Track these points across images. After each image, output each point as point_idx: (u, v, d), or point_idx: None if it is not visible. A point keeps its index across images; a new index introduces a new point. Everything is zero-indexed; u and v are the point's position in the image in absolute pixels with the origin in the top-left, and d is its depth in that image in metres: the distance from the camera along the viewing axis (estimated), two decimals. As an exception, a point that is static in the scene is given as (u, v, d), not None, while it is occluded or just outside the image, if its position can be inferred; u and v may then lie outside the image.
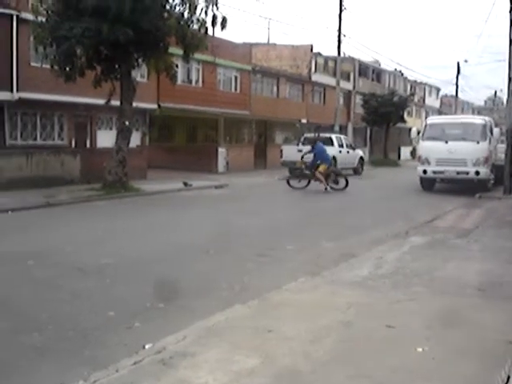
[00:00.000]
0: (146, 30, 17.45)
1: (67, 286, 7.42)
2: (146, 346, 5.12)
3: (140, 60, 19.92)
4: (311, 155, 22.13)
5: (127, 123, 19.41)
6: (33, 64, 22.71)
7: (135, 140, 25.71)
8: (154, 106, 29.32)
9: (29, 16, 20.15)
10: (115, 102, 19.58)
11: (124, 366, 4.62)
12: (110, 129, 27.60)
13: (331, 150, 28.93)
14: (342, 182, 21.80)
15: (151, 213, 15.51)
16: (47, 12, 18.06)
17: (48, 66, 19.09)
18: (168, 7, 18.50)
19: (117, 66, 19.15)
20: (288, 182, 22.01)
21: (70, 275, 8.01)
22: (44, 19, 18.04)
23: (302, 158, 22.59)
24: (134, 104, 19.96)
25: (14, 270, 8.27)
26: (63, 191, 18.24)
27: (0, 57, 21.90)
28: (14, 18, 22.17)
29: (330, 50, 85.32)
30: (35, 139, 24.77)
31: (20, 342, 5.48)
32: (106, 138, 26.13)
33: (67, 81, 18.73)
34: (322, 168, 21.26)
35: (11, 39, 22.18)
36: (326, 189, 21.13)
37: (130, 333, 5.72)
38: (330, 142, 29.65)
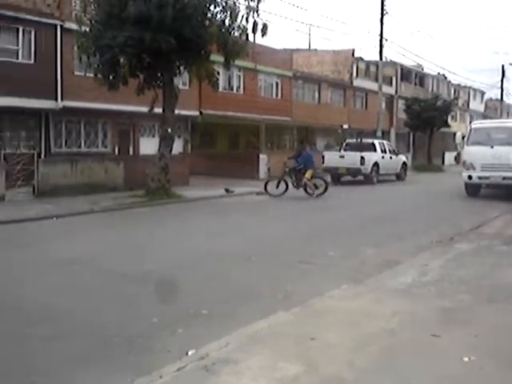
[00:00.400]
0: (187, 37, 17.60)
1: (111, 292, 7.50)
2: (189, 353, 5.13)
3: (182, 68, 20.10)
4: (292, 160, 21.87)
5: (170, 130, 19.58)
6: (77, 73, 23.18)
7: (177, 147, 25.94)
8: (196, 113, 29.54)
9: (72, 26, 20.58)
10: (158, 110, 19.78)
11: (167, 372, 4.64)
12: (153, 136, 27.95)
13: (374, 156, 28.72)
14: (322, 186, 21.25)
15: (193, 219, 15.60)
16: (90, 21, 18.36)
17: (92, 75, 19.42)
18: (209, 15, 18.60)
19: (159, 74, 19.35)
20: (265, 188, 21.07)
21: (115, 281, 8.10)
22: (87, 29, 18.34)
23: (286, 162, 22.09)
24: (177, 111, 20.13)
25: (60, 276, 8.40)
26: (107, 198, 18.50)
27: (45, 66, 22.40)
28: (58, 27, 22.72)
29: (372, 55, 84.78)
30: (79, 147, 25.23)
31: (65, 347, 5.55)
32: (148, 145, 26.47)
33: (111, 89, 19.02)
34: (308, 174, 20.78)
35: (55, 49, 22.71)
36: (313, 194, 20.74)
37: (173, 339, 5.74)
38: (372, 147, 29.41)
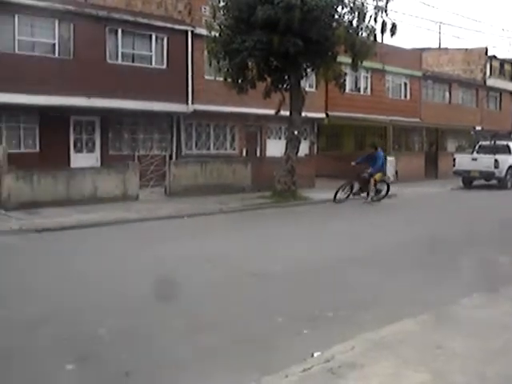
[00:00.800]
0: (314, 39, 17.66)
1: (240, 291, 7.66)
2: (315, 354, 5.13)
3: (309, 70, 20.17)
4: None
5: (296, 132, 19.71)
6: (207, 77, 23.90)
7: (304, 149, 26.04)
8: (323, 115, 29.54)
9: (203, 31, 21.25)
10: (284, 112, 19.97)
11: (293, 372, 4.66)
12: (279, 138, 28.25)
13: (509, 159, 27.34)
14: (384, 190, 20.04)
15: (318, 221, 15.60)
16: (220, 27, 18.87)
17: (221, 79, 19.94)
18: (337, 16, 18.57)
19: (286, 77, 19.53)
20: (336, 194, 19.20)
21: (243, 280, 8.27)
22: (217, 34, 18.85)
23: (357, 163, 20.18)
24: (303, 113, 20.22)
25: (191, 273, 8.68)
26: (235, 199, 18.91)
27: (176, 71, 23.27)
28: (189, 33, 23.50)
29: (507, 53, 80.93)
30: (209, 149, 25.96)
31: (195, 341, 5.73)
32: (275, 147, 26.76)
33: (239, 92, 19.45)
34: (378, 177, 19.56)
35: (186, 54, 23.54)
36: (369, 199, 19.47)
37: (298, 340, 5.78)
38: (507, 149, 27.97)
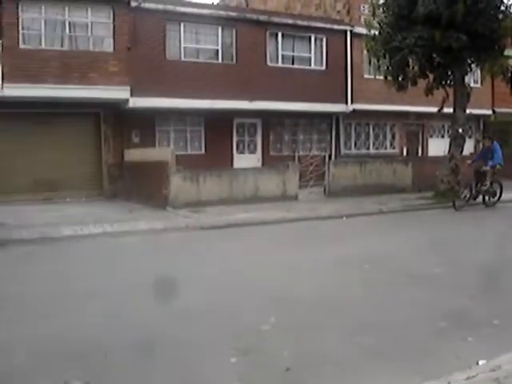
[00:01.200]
0: (479, 33, 16.94)
1: (399, 292, 7.53)
2: (480, 362, 4.93)
3: (473, 65, 19.39)
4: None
5: (460, 130, 19.01)
6: (366, 76, 23.74)
7: (469, 147, 25.03)
8: (489, 112, 28.22)
9: (361, 30, 21.10)
10: (447, 109, 19.32)
11: (456, 379, 4.50)
12: (442, 137, 27.43)
13: None
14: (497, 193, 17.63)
15: (483, 225, 14.89)
16: (379, 24, 18.66)
17: (380, 78, 19.71)
18: (503, 8, 17.69)
19: (449, 73, 18.92)
20: (454, 201, 16.87)
21: (403, 281, 8.13)
22: (376, 32, 18.66)
23: (473, 162, 17.82)
24: (468, 110, 19.45)
25: (351, 273, 8.68)
26: (394, 199, 18.61)
27: (335, 71, 23.39)
28: (348, 33, 23.50)
29: None
30: (368, 148, 25.77)
31: (354, 342, 5.70)
32: (437, 146, 26.05)
33: (399, 90, 19.14)
34: (497, 169, 17.23)
35: (345, 54, 23.56)
36: (487, 201, 17.35)
37: (462, 346, 5.55)
38: None
